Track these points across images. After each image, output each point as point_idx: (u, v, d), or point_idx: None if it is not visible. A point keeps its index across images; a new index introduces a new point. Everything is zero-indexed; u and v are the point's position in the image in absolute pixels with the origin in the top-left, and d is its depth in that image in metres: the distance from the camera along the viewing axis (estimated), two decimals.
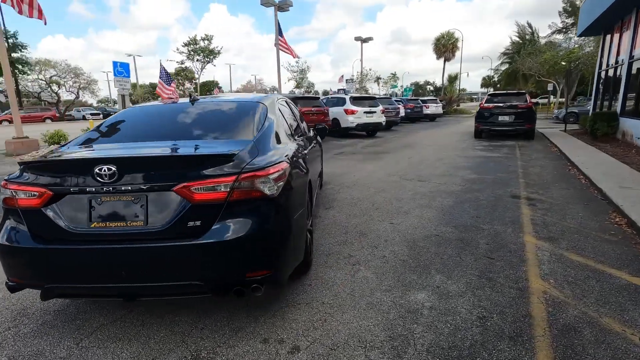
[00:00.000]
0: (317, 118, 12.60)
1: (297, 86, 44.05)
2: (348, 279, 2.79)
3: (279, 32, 18.35)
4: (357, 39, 29.86)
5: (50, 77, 38.90)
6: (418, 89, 68.44)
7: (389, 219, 4.25)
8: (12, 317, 2.40)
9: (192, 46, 43.95)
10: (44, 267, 1.98)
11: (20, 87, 34.92)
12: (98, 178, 1.89)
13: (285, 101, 3.96)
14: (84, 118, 37.32)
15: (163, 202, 1.92)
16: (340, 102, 14.52)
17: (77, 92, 42.44)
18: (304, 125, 4.62)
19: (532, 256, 3.16)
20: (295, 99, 12.67)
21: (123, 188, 1.91)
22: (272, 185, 2.05)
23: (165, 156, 2.10)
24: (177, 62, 44.66)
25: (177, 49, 49.47)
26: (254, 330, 2.18)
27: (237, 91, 63.46)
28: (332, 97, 15.79)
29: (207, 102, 3.09)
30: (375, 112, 14.17)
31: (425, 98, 26.72)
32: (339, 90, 31.07)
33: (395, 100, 22.11)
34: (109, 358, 1.99)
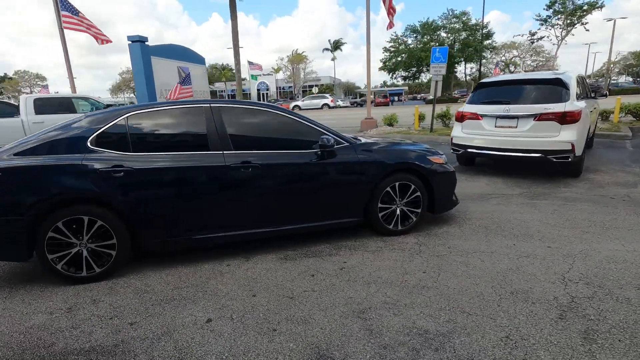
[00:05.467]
0: None
1: None
2: None
3: None
4: None
5: (511, 58, 41.96)
6: None
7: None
8: None
9: (556, 6, 28.80)
10: None
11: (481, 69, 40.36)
12: None
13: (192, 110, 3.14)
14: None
15: None
16: None
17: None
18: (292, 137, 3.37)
19: None
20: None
21: None
22: None
23: None
24: (524, 35, 31.83)
25: (538, 15, 34.88)
26: None
27: None
28: None
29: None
30: None
31: None
32: None
33: None
34: None
